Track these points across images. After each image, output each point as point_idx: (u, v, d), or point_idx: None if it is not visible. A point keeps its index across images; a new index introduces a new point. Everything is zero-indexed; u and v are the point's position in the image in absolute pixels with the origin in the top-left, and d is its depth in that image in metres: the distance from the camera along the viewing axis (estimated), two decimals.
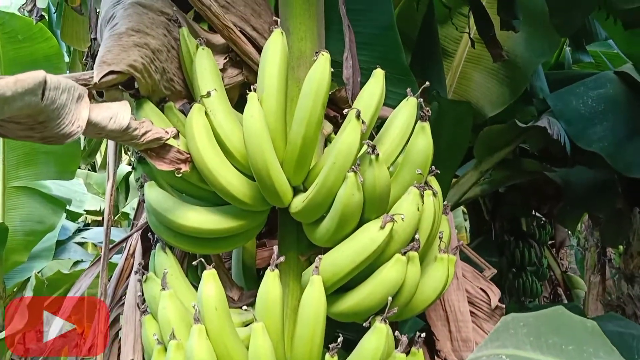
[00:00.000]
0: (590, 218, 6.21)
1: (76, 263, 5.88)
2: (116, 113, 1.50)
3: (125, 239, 2.15)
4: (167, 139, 1.71)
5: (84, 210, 7.61)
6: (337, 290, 1.77)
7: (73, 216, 6.58)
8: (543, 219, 6.01)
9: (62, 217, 5.74)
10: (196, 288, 1.94)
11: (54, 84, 1.25)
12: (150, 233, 2.06)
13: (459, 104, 3.81)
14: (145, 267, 1.94)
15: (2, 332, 5.12)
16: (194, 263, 1.75)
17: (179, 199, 1.88)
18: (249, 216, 1.87)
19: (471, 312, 2.33)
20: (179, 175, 1.74)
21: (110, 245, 2.06)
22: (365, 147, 1.66)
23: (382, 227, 1.67)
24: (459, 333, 2.27)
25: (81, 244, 6.54)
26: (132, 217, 9.26)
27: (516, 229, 5.75)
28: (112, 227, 5.90)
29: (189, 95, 1.98)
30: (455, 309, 2.29)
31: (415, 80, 2.59)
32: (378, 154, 1.63)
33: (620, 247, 9.62)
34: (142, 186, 1.94)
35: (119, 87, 1.75)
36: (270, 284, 1.70)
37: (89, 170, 9.90)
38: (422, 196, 1.74)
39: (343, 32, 2.26)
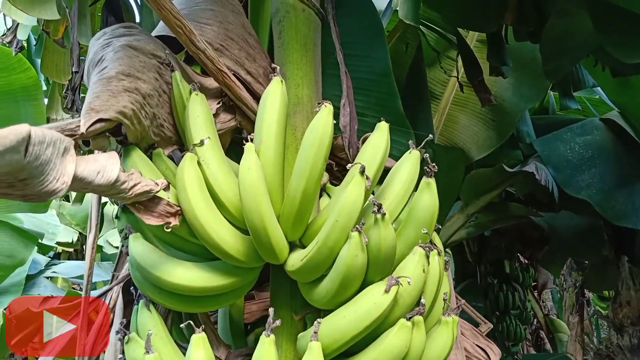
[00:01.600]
0: (573, 261, 6.19)
1: (46, 299, 5.62)
2: (104, 166, 1.38)
3: (105, 292, 2.01)
4: (157, 192, 1.59)
5: (56, 243, 7.35)
6: (336, 357, 1.65)
7: (44, 249, 6.34)
8: (526, 261, 5.96)
9: (33, 251, 5.51)
10: (180, 347, 1.80)
11: (38, 138, 1.14)
12: (132, 287, 1.92)
13: (451, 150, 3.77)
14: (127, 324, 1.79)
15: None
16: (181, 326, 1.62)
17: (166, 252, 1.75)
18: (242, 273, 1.75)
19: None
20: (168, 230, 1.62)
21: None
22: (370, 204, 1.57)
23: (386, 291, 1.56)
24: None
25: (51, 278, 6.28)
26: (105, 249, 9.02)
27: (500, 272, 5.69)
28: (84, 262, 5.64)
29: (179, 141, 1.88)
30: None
31: (411, 128, 2.52)
32: (384, 214, 1.53)
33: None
34: (125, 237, 1.81)
35: (106, 133, 1.64)
36: (266, 351, 1.57)
37: (62, 200, 9.63)
38: (427, 257, 1.64)
39: (338, 78, 2.19)
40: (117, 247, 7.70)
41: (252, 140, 1.70)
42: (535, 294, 6.52)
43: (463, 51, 3.80)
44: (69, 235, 8.44)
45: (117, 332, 1.77)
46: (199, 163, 1.69)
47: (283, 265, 1.74)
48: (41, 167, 1.16)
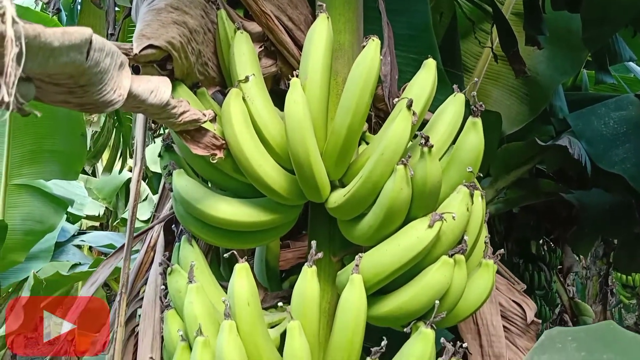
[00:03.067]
0: (599, 247, 6.11)
1: (74, 266, 5.71)
2: (157, 87, 1.39)
3: (146, 231, 2.03)
4: (204, 122, 1.60)
5: (85, 215, 7.46)
6: (375, 293, 1.66)
7: (73, 218, 6.43)
8: (552, 243, 5.90)
9: (62, 218, 5.60)
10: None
11: (99, 45, 1.15)
12: (174, 225, 1.95)
13: (489, 113, 3.72)
14: (169, 259, 1.82)
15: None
16: (225, 255, 1.62)
17: (209, 189, 1.76)
18: (283, 210, 1.76)
19: (504, 326, 2.22)
20: (214, 161, 1.63)
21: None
22: (416, 140, 1.56)
23: (430, 226, 1.55)
24: (490, 348, 2.16)
25: (79, 247, 6.38)
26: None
27: (526, 252, 5.63)
28: (111, 232, 5.75)
29: (222, 83, 1.89)
30: (488, 322, 2.18)
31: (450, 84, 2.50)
32: (432, 146, 1.52)
33: (624, 277, 9.54)
34: (169, 174, 1.83)
35: (154, 65, 1.65)
36: (309, 281, 1.58)
37: (89, 175, 9.76)
38: (471, 196, 1.63)
39: (376, 33, 2.18)
40: (144, 222, 7.79)
41: (297, 76, 1.70)
42: (561, 277, 6.45)
43: (498, 21, 3.75)
44: (96, 208, 8.56)
45: (160, 264, 1.80)
46: (244, 99, 1.70)
47: (324, 204, 1.75)
48: (100, 75, 1.17)
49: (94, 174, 9.84)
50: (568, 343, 1.60)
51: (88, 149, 5.81)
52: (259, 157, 1.66)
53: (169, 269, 1.75)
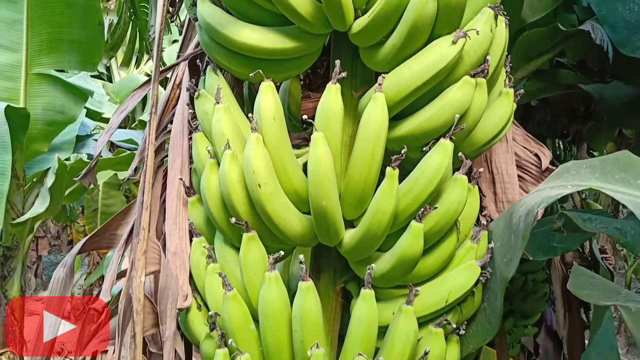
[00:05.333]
0: (620, 139, 6.08)
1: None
2: None
3: (172, 67, 2.08)
4: None
5: (100, 119, 7.52)
6: (395, 116, 1.70)
7: (92, 115, 6.51)
8: (568, 142, 5.89)
9: (82, 109, 5.67)
10: None
11: None
12: (198, 60, 1.99)
13: None
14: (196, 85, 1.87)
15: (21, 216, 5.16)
16: (251, 75, 1.66)
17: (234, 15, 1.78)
18: (307, 39, 1.77)
19: (519, 176, 2.27)
20: None
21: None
22: None
23: (454, 42, 1.57)
24: (504, 194, 2.22)
25: None
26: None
27: None
28: (130, 130, 5.82)
29: None
30: (503, 171, 2.23)
31: None
32: None
33: None
34: (193, 4, 1.85)
35: None
36: (333, 96, 1.62)
37: (105, 81, 9.78)
38: (496, 17, 1.64)
39: None
40: None
41: None
42: None
43: None
44: (112, 111, 8.62)
45: (187, 90, 1.85)
46: None
47: (347, 34, 1.76)
48: None
49: (110, 80, 9.85)
50: (582, 169, 1.65)
51: (105, 40, 5.80)
52: None
53: (196, 93, 1.80)
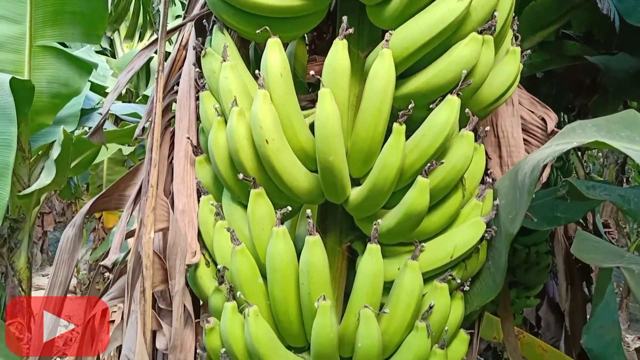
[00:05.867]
0: None
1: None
2: None
3: (178, 27, 2.07)
4: None
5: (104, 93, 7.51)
6: (402, 74, 1.70)
7: (97, 89, 6.49)
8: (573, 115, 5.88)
9: (87, 82, 5.65)
10: None
11: None
12: (204, 20, 1.99)
13: None
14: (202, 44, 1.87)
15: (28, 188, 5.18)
16: (258, 31, 1.66)
17: None
18: None
19: (525, 139, 2.28)
20: None
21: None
22: None
23: None
24: (509, 158, 2.23)
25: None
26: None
27: None
28: (135, 104, 5.80)
29: None
30: (508, 134, 2.24)
31: None
32: None
33: None
34: None
35: None
36: (340, 52, 1.62)
37: (108, 56, 9.75)
38: None
39: None
40: None
41: None
42: (579, 154, 6.48)
43: None
44: None
45: (194, 48, 1.86)
46: None
47: None
48: None
49: (113, 56, 9.82)
50: (588, 128, 1.65)
51: (109, 13, 5.77)
52: None
53: (203, 52, 1.81)
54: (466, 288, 1.77)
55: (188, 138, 1.86)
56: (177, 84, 2.00)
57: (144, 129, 1.99)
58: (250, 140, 1.65)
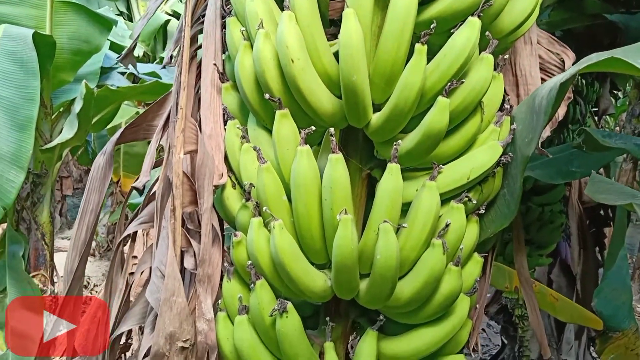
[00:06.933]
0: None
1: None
2: None
3: None
4: None
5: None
6: (424, 0, 1.74)
7: (116, 48, 6.57)
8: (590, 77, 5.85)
9: (106, 40, 5.72)
10: None
11: None
12: None
13: None
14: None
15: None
16: None
17: None
18: None
19: (542, 78, 2.31)
20: None
21: None
22: None
23: None
24: (527, 96, 2.27)
25: (123, 74, 6.58)
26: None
27: None
28: (152, 64, 5.83)
29: None
30: (526, 73, 2.28)
31: None
32: None
33: None
34: None
35: None
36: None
37: (126, 20, 9.79)
38: None
39: None
40: None
41: None
42: (595, 119, 6.46)
43: None
44: (135, 50, 8.69)
45: None
46: None
47: None
48: None
49: (130, 19, 9.87)
50: (604, 56, 1.69)
51: None
52: None
53: None
54: (481, 211, 1.83)
55: (215, 65, 1.92)
56: (204, 16, 2.06)
57: (171, 57, 2.06)
58: (276, 61, 1.71)
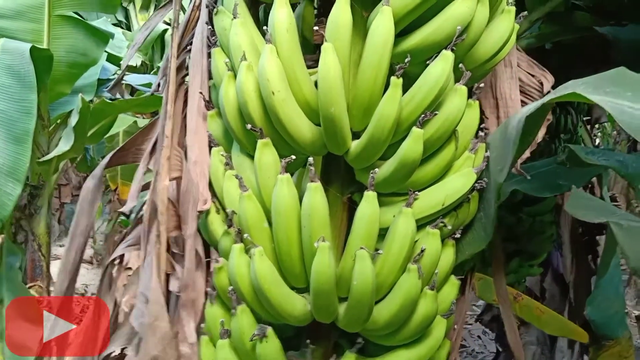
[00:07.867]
0: None
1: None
2: None
3: None
4: None
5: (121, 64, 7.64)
6: (401, 32, 1.80)
7: (113, 59, 6.64)
8: None
9: (104, 52, 5.79)
10: None
11: None
12: None
13: None
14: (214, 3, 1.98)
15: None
16: None
17: None
18: None
19: (522, 101, 2.37)
20: None
21: None
22: None
23: None
24: (506, 117, 2.32)
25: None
26: None
27: None
28: (150, 75, 5.91)
29: None
30: (506, 96, 2.33)
31: None
32: None
33: None
34: None
35: None
36: (342, 7, 1.72)
37: (124, 29, 9.88)
38: None
39: None
40: None
41: None
42: (587, 128, 6.51)
43: None
44: (133, 60, 8.76)
45: (207, 7, 1.97)
46: None
47: None
48: None
49: (128, 29, 9.95)
50: (578, 86, 1.75)
51: None
52: None
53: (215, 10, 1.92)
54: (457, 235, 1.89)
55: (200, 93, 1.98)
56: (191, 44, 2.12)
57: (159, 85, 2.12)
58: (257, 92, 1.77)
